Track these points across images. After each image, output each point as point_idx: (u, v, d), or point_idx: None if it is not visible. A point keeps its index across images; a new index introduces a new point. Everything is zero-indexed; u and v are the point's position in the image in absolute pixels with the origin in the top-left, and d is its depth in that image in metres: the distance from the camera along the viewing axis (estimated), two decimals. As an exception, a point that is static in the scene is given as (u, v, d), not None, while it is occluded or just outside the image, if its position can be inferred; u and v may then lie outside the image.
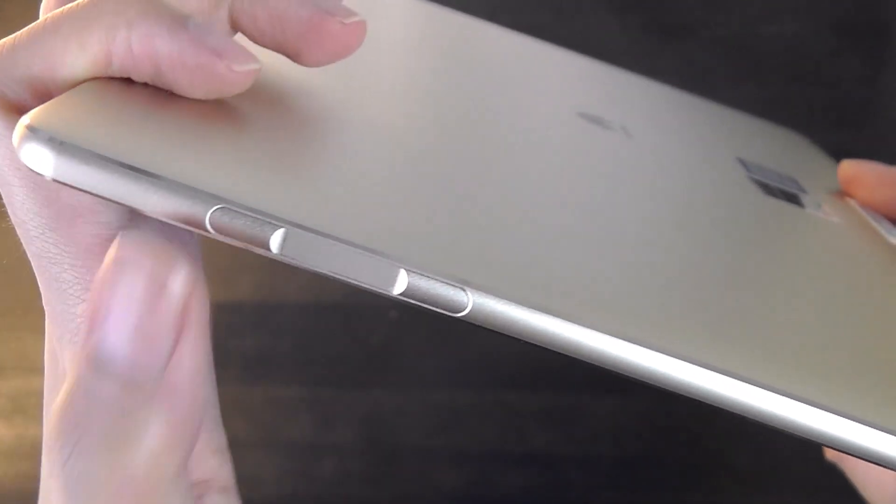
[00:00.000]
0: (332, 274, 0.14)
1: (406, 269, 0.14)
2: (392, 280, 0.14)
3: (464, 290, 0.14)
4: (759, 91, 0.52)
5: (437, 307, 0.15)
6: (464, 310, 0.14)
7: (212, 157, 0.14)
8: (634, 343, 0.15)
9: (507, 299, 0.14)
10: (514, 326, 0.15)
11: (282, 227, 0.13)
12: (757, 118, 0.29)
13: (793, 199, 0.22)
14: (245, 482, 0.46)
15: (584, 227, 0.18)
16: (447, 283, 0.14)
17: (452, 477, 0.44)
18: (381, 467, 0.44)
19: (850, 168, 0.23)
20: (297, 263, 0.13)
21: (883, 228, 0.22)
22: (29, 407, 0.46)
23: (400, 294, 0.14)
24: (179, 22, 0.14)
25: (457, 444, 0.44)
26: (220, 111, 0.15)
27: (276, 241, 0.13)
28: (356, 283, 0.14)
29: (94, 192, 0.13)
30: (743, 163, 0.24)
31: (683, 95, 0.29)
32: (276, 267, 0.49)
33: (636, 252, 0.18)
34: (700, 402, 0.16)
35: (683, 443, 0.44)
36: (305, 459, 0.44)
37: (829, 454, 0.25)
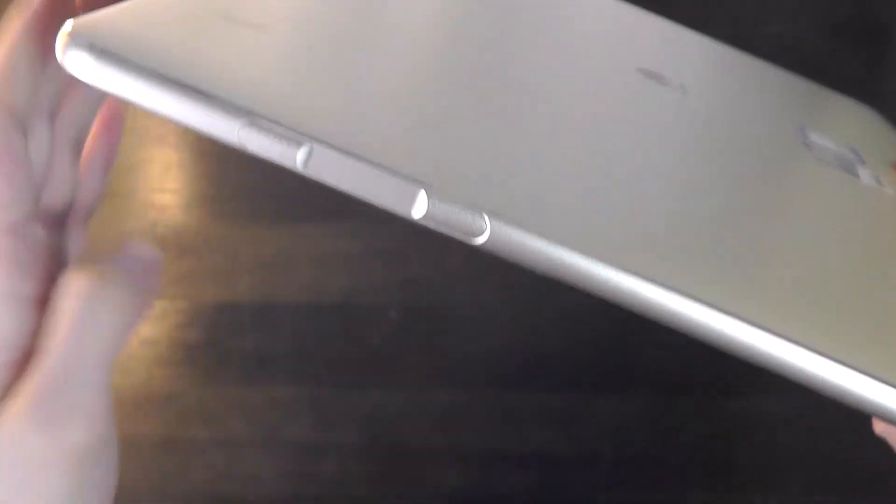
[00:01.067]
0: (354, 193, 0.14)
1: (427, 191, 0.14)
2: (412, 202, 0.14)
3: (483, 217, 0.14)
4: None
5: (454, 232, 0.14)
6: (481, 234, 0.14)
7: (244, 71, 0.14)
8: (645, 279, 0.15)
9: (524, 229, 0.14)
10: (529, 256, 0.15)
11: (308, 143, 0.14)
12: (827, 89, 0.28)
13: (848, 167, 0.22)
14: (245, 482, 0.46)
15: (611, 169, 0.18)
16: (466, 209, 0.14)
17: (452, 477, 0.43)
18: (381, 467, 0.44)
19: None
20: (320, 179, 0.14)
21: None
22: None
23: (420, 218, 0.14)
24: None
25: (457, 444, 0.44)
26: (252, 27, 0.16)
27: (301, 156, 0.14)
28: (378, 203, 0.14)
29: (129, 98, 0.13)
30: (800, 128, 0.23)
31: (751, 59, 0.28)
32: (276, 267, 0.49)
33: (661, 196, 0.18)
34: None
35: (683, 443, 0.44)
36: (305, 459, 0.44)
37: (878, 428, 0.25)
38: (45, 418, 0.18)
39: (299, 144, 0.14)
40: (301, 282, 0.47)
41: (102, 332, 0.19)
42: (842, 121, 0.26)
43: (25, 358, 0.19)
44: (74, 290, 0.18)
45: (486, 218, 0.14)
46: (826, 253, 0.18)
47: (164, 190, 0.49)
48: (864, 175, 0.22)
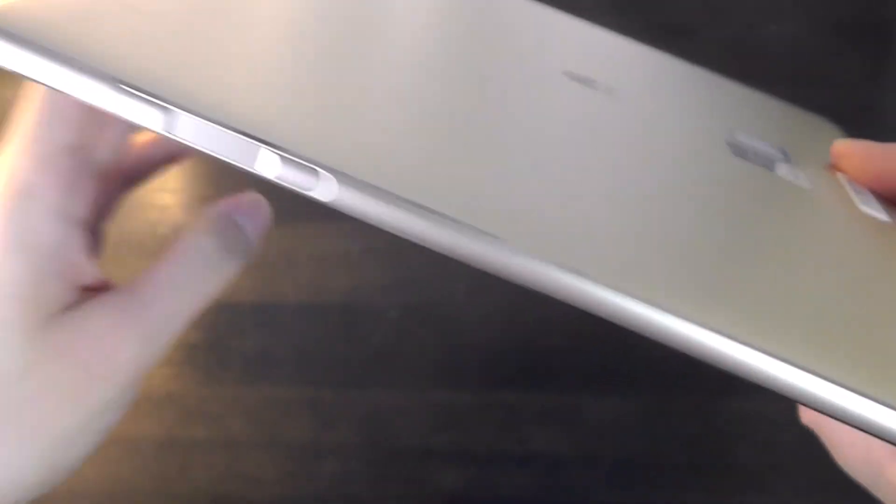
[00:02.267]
0: (202, 149, 0.15)
1: (268, 148, 0.15)
2: (253, 157, 0.15)
3: (329, 173, 0.15)
4: (760, 91, 0.52)
5: (300, 188, 0.16)
6: (325, 192, 0.16)
7: (119, 45, 0.16)
8: (507, 248, 0.16)
9: (369, 186, 0.16)
10: (376, 215, 0.16)
11: (166, 106, 0.15)
12: (774, 98, 0.29)
13: (767, 164, 0.23)
14: (245, 482, 0.46)
15: (495, 139, 0.19)
16: (310, 164, 0.15)
17: (452, 477, 0.43)
18: (381, 467, 0.44)
19: (842, 145, 0.24)
20: (178, 138, 0.15)
21: (858, 198, 0.23)
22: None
23: (262, 172, 0.15)
24: None
25: (457, 444, 0.44)
26: (141, 13, 0.17)
27: (158, 118, 0.15)
28: (222, 159, 0.15)
29: (12, 69, 0.15)
30: (728, 129, 0.24)
31: (689, 67, 0.29)
32: (276, 267, 0.49)
33: (544, 169, 0.19)
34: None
35: (683, 443, 0.44)
36: (305, 459, 0.44)
37: (804, 418, 0.25)
38: (132, 324, 0.21)
39: (160, 108, 0.15)
40: (301, 282, 0.47)
41: (211, 286, 0.23)
42: (779, 127, 0.27)
43: (71, 269, 0.21)
44: (195, 235, 0.22)
45: (329, 173, 0.15)
46: (724, 237, 0.19)
47: (164, 190, 0.49)
48: (783, 170, 0.23)
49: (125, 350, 0.21)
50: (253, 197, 0.25)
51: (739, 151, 0.23)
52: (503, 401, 0.45)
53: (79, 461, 0.22)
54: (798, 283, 0.18)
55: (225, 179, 0.49)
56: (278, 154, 0.15)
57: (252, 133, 0.15)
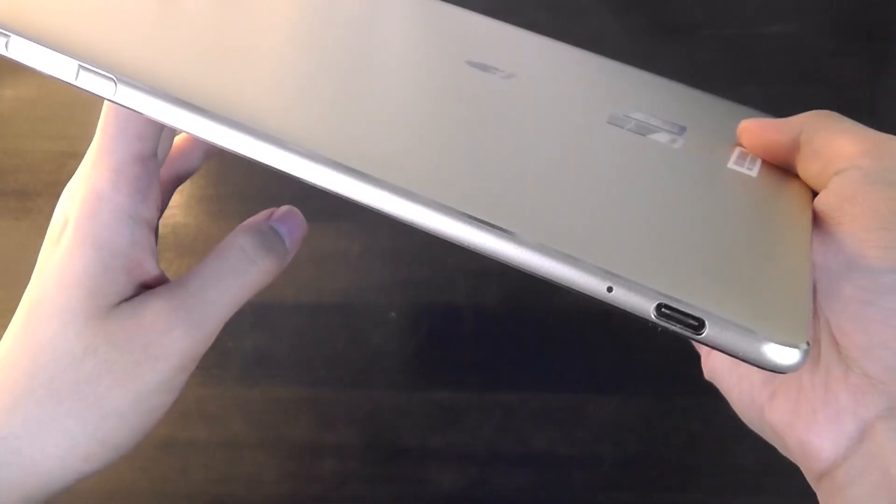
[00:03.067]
0: (34, 67, 0.20)
1: (76, 61, 0.20)
2: (67, 71, 0.20)
3: (113, 80, 0.19)
4: (759, 91, 0.52)
5: (89, 88, 0.20)
6: (113, 93, 0.20)
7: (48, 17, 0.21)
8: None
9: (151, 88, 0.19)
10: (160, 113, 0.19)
11: (5, 33, 0.20)
12: (717, 97, 0.31)
13: (639, 131, 0.25)
14: (245, 482, 0.46)
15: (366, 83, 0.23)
16: (102, 73, 0.20)
17: (452, 477, 0.43)
18: (381, 467, 0.44)
19: (744, 122, 0.26)
20: (9, 57, 0.20)
21: (736, 161, 0.25)
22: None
23: (83, 85, 0.20)
24: None
25: (457, 444, 0.44)
26: None
27: (72, 68, 0.20)
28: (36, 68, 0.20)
29: None
30: (622, 107, 0.27)
31: (584, 54, 0.32)
32: (276, 267, 0.49)
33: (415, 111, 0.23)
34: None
35: (683, 443, 0.44)
36: (305, 459, 0.44)
37: (706, 373, 0.27)
38: (180, 312, 0.24)
39: (68, 59, 0.20)
40: (301, 282, 0.47)
41: (249, 278, 0.26)
42: (694, 115, 0.29)
43: (136, 267, 0.24)
44: (235, 235, 0.25)
45: (114, 75, 0.19)
46: (565, 175, 0.22)
47: (164, 190, 0.49)
48: (660, 137, 0.25)
49: (174, 336, 0.24)
50: (287, 208, 0.29)
51: (616, 121, 0.26)
52: (503, 401, 0.45)
53: (131, 440, 0.24)
54: (601, 197, 0.21)
55: (225, 179, 0.49)
56: (79, 64, 0.20)
57: (66, 52, 0.20)
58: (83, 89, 0.20)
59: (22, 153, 0.50)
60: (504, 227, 0.18)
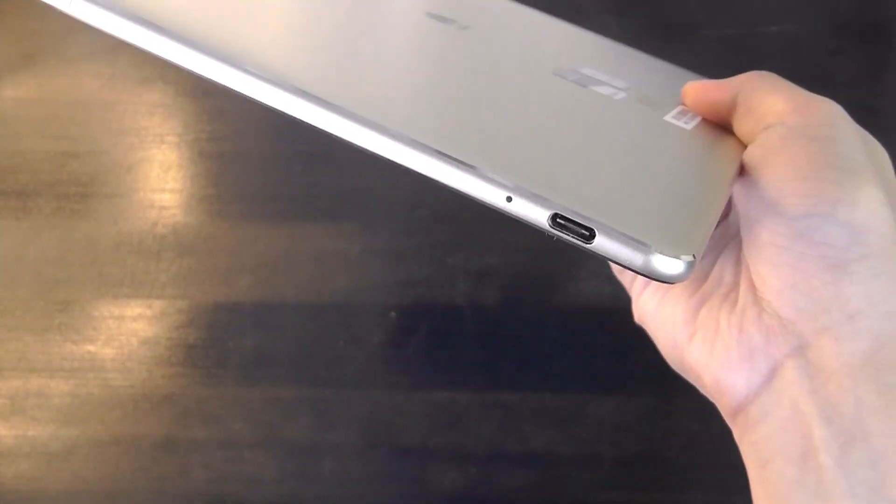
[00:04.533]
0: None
1: None
2: None
3: None
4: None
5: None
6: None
7: None
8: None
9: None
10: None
11: None
12: (679, 67, 0.33)
13: (581, 83, 0.27)
14: (245, 482, 0.46)
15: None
16: None
17: (452, 477, 0.43)
18: (381, 467, 0.44)
19: (688, 84, 0.28)
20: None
21: (673, 116, 0.27)
22: (28, 407, 0.46)
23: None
24: None
25: (457, 444, 0.44)
26: None
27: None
28: None
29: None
30: (573, 64, 0.29)
31: (543, 16, 0.34)
32: (277, 267, 0.49)
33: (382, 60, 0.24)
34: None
35: (683, 443, 0.44)
36: (305, 459, 0.44)
37: (636, 317, 0.29)
38: None
39: None
40: (301, 282, 0.47)
41: None
42: (635, 71, 0.31)
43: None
44: None
45: None
46: (507, 112, 0.23)
47: (164, 190, 0.49)
48: (601, 90, 0.27)
49: None
50: None
51: (560, 73, 0.27)
52: (503, 401, 0.45)
53: None
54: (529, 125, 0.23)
55: (225, 179, 0.49)
56: None
57: None
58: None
59: (22, 153, 0.50)
60: (429, 144, 0.19)
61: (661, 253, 0.18)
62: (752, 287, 0.22)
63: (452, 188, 0.19)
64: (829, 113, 0.23)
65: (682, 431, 0.44)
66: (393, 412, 0.45)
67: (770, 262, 0.22)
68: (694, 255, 0.18)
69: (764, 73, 0.26)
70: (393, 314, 0.46)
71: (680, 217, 0.20)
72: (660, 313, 0.27)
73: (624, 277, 0.30)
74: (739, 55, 0.53)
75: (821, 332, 0.21)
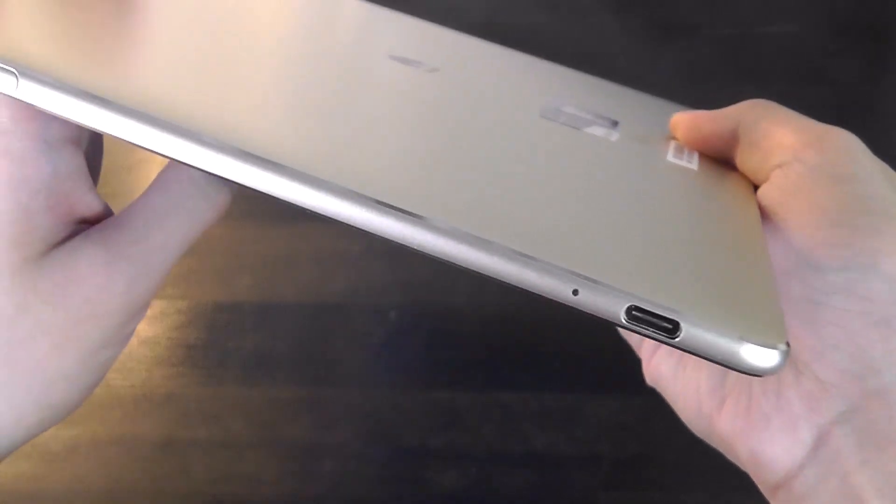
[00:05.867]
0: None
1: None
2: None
3: (14, 74, 0.17)
4: (760, 91, 0.52)
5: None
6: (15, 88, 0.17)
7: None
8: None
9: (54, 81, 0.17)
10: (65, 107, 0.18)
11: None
12: (656, 98, 0.31)
13: (573, 125, 0.25)
14: (245, 482, 0.46)
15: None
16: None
17: (452, 477, 0.43)
18: (381, 467, 0.44)
19: (676, 116, 0.26)
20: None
21: (674, 154, 0.25)
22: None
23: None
24: None
25: (457, 444, 0.44)
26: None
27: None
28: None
29: None
30: (553, 102, 0.27)
31: (508, 51, 0.31)
32: (276, 267, 0.49)
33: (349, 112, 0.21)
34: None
35: (683, 443, 0.44)
36: (305, 459, 0.44)
37: (648, 380, 0.26)
38: (122, 261, 0.20)
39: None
40: (301, 282, 0.47)
41: (201, 214, 0.21)
42: (614, 105, 0.29)
43: (63, 201, 0.20)
44: (172, 179, 0.21)
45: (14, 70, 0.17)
46: (500, 167, 0.21)
47: (164, 190, 0.49)
48: (595, 130, 0.25)
49: (116, 289, 0.20)
50: None
51: (548, 115, 0.25)
52: (503, 401, 0.45)
53: (80, 397, 0.21)
54: (535, 186, 0.20)
55: (225, 179, 0.49)
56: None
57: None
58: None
59: (22, 153, 0.50)
60: (480, 235, 0.17)
61: (754, 343, 0.15)
62: None
63: (506, 283, 0.16)
64: (848, 147, 0.21)
65: (683, 431, 0.44)
66: (393, 412, 0.45)
67: (805, 319, 0.19)
68: (787, 343, 0.16)
69: (762, 101, 0.23)
70: (393, 314, 0.46)
71: (753, 292, 0.18)
72: (679, 377, 0.24)
73: (631, 338, 0.27)
74: (739, 55, 0.53)
75: (871, 395, 0.19)
